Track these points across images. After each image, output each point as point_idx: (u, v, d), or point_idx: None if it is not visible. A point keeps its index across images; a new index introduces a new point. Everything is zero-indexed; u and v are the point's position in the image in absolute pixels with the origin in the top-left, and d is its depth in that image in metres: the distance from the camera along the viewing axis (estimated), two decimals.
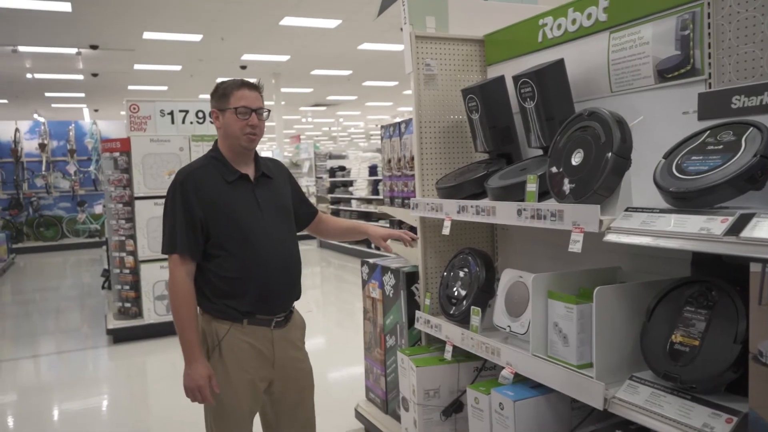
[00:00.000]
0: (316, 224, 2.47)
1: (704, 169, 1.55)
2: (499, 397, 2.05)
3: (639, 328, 1.77)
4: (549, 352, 1.97)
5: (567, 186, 1.83)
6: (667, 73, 1.95)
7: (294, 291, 2.22)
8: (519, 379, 2.10)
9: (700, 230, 1.43)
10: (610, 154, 1.70)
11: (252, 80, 2.14)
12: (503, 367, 2.14)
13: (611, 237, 1.65)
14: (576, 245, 1.74)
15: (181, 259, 2.02)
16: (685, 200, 1.54)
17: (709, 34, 1.81)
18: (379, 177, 9.77)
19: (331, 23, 10.30)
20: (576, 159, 1.84)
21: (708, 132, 1.65)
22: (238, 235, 2.05)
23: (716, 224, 1.41)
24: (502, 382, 2.10)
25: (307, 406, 2.27)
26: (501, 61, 2.73)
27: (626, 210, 1.68)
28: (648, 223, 1.58)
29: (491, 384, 2.19)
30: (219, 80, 2.15)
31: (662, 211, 1.59)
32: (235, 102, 2.06)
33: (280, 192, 2.23)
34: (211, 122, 2.17)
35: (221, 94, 2.08)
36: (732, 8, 1.75)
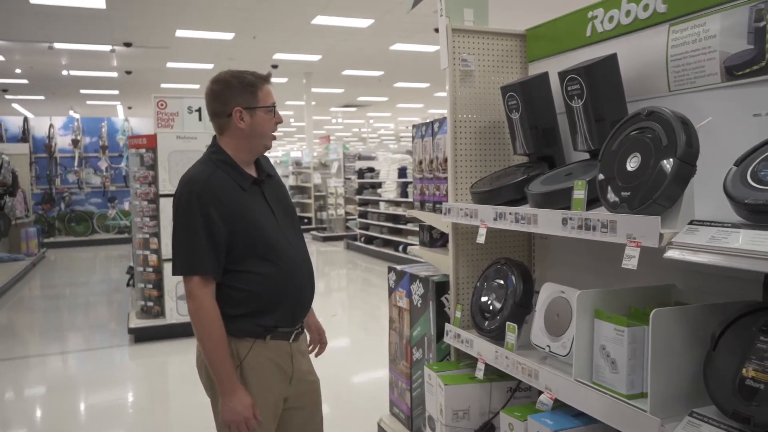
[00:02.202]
0: None
1: None
2: (537, 425, 1.86)
3: (701, 357, 1.56)
4: (594, 378, 1.77)
5: (621, 194, 1.63)
6: (736, 70, 1.73)
7: (313, 298, 2.07)
8: (558, 405, 1.91)
9: None
10: (673, 159, 1.50)
11: (266, 74, 1.98)
12: (541, 391, 1.95)
13: (673, 254, 1.45)
14: (631, 261, 1.55)
15: (204, 281, 1.82)
16: (763, 214, 1.33)
17: None
18: (409, 179, 9.60)
19: (363, 23, 10.17)
20: (632, 164, 1.64)
21: None
22: (262, 246, 1.88)
23: None
24: (540, 408, 1.91)
25: (318, 422, 2.13)
26: (544, 57, 2.54)
27: (691, 223, 1.48)
28: (718, 239, 1.37)
29: (528, 409, 2.00)
30: (224, 72, 1.93)
31: (734, 225, 1.38)
32: (265, 99, 1.91)
33: (283, 191, 2.09)
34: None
35: (248, 90, 1.88)
36: None
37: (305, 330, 2.14)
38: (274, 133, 1.98)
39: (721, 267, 1.36)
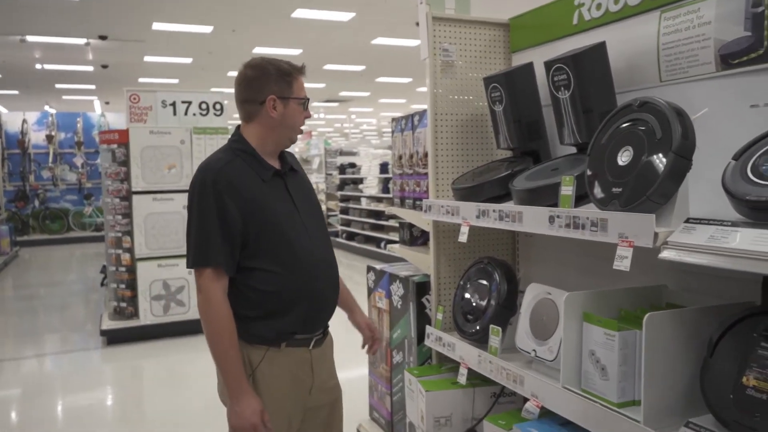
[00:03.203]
0: None
1: None
2: None
3: (696, 363, 1.47)
4: (583, 385, 1.67)
5: (612, 190, 1.53)
6: (732, 58, 1.64)
7: (337, 301, 1.94)
8: (544, 412, 1.80)
9: None
10: (669, 153, 1.40)
11: (301, 66, 1.88)
12: (526, 397, 1.85)
13: (669, 254, 1.35)
14: (623, 262, 1.45)
15: (216, 274, 1.70)
16: (766, 211, 1.23)
17: None
18: (391, 175, 9.49)
19: (345, 16, 10.01)
20: (623, 158, 1.53)
21: None
22: (281, 242, 1.75)
23: None
24: (526, 417, 1.81)
25: (338, 428, 2.02)
26: (528, 47, 2.43)
27: (687, 221, 1.38)
28: (717, 239, 1.27)
29: (513, 417, 1.90)
30: (260, 57, 1.84)
31: (734, 224, 1.29)
32: (299, 91, 1.82)
33: (308, 186, 1.96)
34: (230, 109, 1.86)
35: (284, 79, 1.79)
36: None
37: (328, 333, 1.98)
38: (302, 128, 1.90)
39: (722, 269, 1.26)
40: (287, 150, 1.98)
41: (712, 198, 1.54)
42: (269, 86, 1.78)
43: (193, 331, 5.58)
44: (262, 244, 1.74)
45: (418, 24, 2.44)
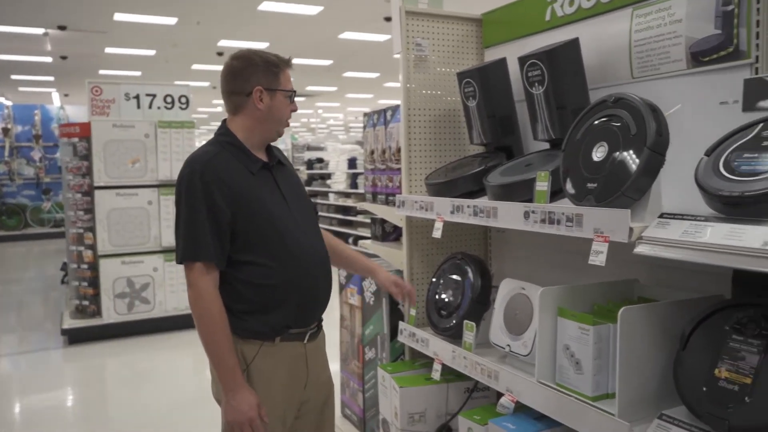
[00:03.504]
0: None
1: (763, 169, 1.26)
2: (499, 430, 1.76)
3: (668, 356, 1.49)
4: (558, 379, 1.68)
5: (587, 186, 1.54)
6: (703, 55, 1.66)
7: (330, 293, 1.91)
8: (519, 406, 1.81)
9: (764, 245, 1.14)
10: (644, 149, 1.41)
11: (288, 58, 1.86)
12: (500, 391, 1.86)
13: (643, 249, 1.36)
14: (599, 257, 1.45)
15: (206, 268, 1.68)
16: (739, 206, 1.25)
17: (758, 10, 1.53)
18: (359, 170, 9.46)
19: (312, 9, 9.91)
20: (598, 154, 1.54)
21: (761, 125, 1.37)
22: (271, 235, 1.73)
23: None
24: (501, 412, 1.81)
25: (328, 420, 1.99)
26: (500, 42, 2.43)
27: (661, 216, 1.40)
28: (691, 234, 1.29)
29: (487, 412, 1.90)
30: (246, 49, 1.83)
31: (707, 219, 1.30)
32: (286, 83, 1.79)
33: (296, 180, 1.93)
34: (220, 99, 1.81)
35: (271, 71, 1.76)
36: None
37: (321, 327, 1.95)
38: (289, 121, 1.86)
39: (693, 263, 1.28)
40: (274, 144, 1.96)
41: (682, 193, 1.57)
42: (256, 77, 1.75)
43: (158, 330, 5.47)
44: (252, 237, 1.72)
45: (386, 19, 2.43)
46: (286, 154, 2.02)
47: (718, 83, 1.64)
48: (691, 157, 1.56)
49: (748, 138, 1.36)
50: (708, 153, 1.42)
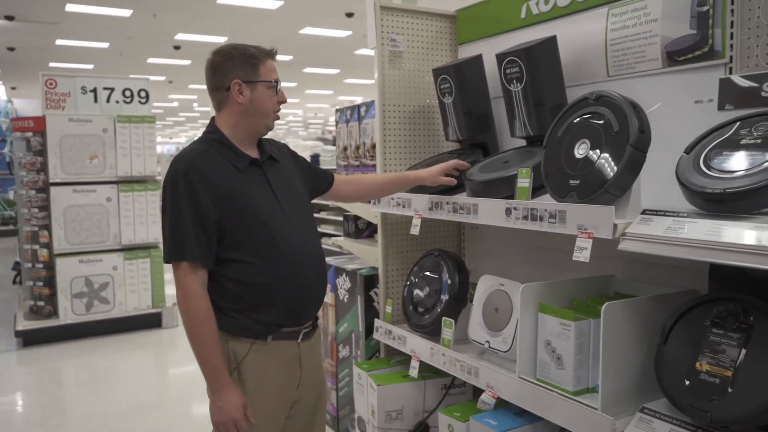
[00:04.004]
0: (338, 190, 2.08)
1: (741, 167, 1.29)
2: (481, 426, 1.76)
3: (648, 350, 1.52)
4: (538, 375, 1.69)
5: (570, 183, 1.55)
6: (678, 55, 1.70)
7: (324, 291, 1.88)
8: (499, 402, 1.82)
9: (749, 241, 1.17)
10: (626, 146, 1.43)
11: (270, 48, 1.81)
12: (478, 387, 1.86)
13: (628, 245, 1.38)
14: (582, 253, 1.47)
15: (192, 268, 1.65)
16: (721, 203, 1.28)
17: (732, 11, 1.57)
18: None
19: (273, 4, 9.79)
20: (580, 151, 1.56)
21: (739, 123, 1.40)
22: (260, 232, 1.69)
23: None
24: (482, 408, 1.82)
25: (319, 423, 1.96)
26: (475, 39, 2.44)
27: (644, 213, 1.42)
28: (675, 230, 1.31)
29: (468, 409, 1.91)
30: (228, 44, 1.78)
31: (689, 215, 1.33)
32: (268, 74, 1.74)
33: (290, 175, 1.88)
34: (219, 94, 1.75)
35: (249, 63, 1.72)
36: None
37: (317, 327, 1.92)
38: (278, 114, 1.81)
39: (671, 258, 1.30)
40: (269, 138, 1.93)
41: (658, 190, 1.60)
42: (234, 71, 1.72)
43: (118, 330, 5.32)
44: (240, 236, 1.69)
45: (348, 14, 2.41)
46: None
47: (693, 82, 1.68)
48: (666, 154, 1.59)
49: (726, 136, 1.39)
50: (687, 150, 1.44)
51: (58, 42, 12.17)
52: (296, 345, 1.78)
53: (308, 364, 1.83)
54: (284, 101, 1.80)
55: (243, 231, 1.69)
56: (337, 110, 2.93)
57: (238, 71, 1.71)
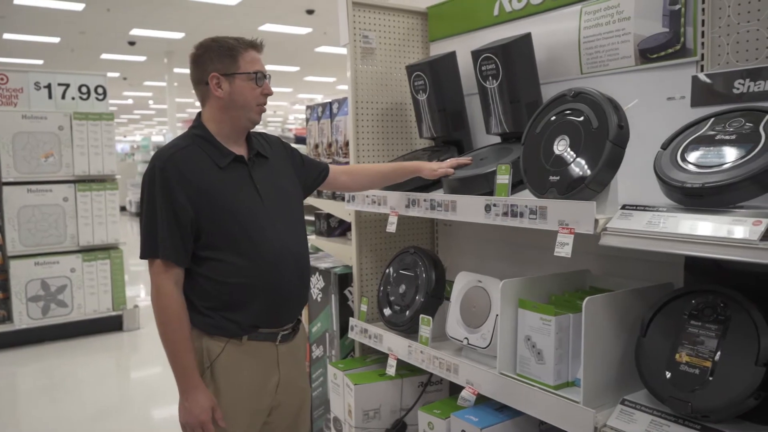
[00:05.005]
0: (336, 180, 2.04)
1: (718, 162, 1.32)
2: (462, 423, 1.76)
3: (627, 343, 1.55)
4: (518, 370, 1.70)
5: (549, 179, 1.56)
6: (651, 53, 1.73)
7: (306, 294, 1.84)
8: (479, 398, 1.82)
9: (728, 234, 1.20)
10: (606, 142, 1.45)
11: (252, 39, 1.75)
12: (456, 384, 1.87)
13: (609, 240, 1.40)
14: (564, 249, 1.48)
15: (165, 266, 1.62)
16: (700, 197, 1.31)
17: (704, 9, 1.60)
18: None
19: (232, 0, 9.64)
20: (559, 147, 1.57)
21: (713, 120, 1.44)
22: (238, 232, 1.65)
23: (747, 227, 1.18)
24: (462, 405, 1.82)
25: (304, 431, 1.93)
26: (446, 36, 2.44)
27: (623, 208, 1.44)
28: (655, 225, 1.33)
29: (447, 406, 1.91)
30: (210, 37, 1.72)
31: (668, 209, 1.36)
32: (248, 66, 1.68)
33: (280, 173, 1.83)
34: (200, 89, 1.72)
35: (227, 54, 1.66)
36: None
37: (298, 330, 1.86)
38: (263, 107, 1.76)
39: (653, 252, 1.32)
40: (262, 133, 1.89)
41: (632, 184, 1.63)
42: (212, 64, 1.67)
43: (77, 334, 5.15)
44: (217, 235, 1.65)
45: (308, 11, 2.38)
46: None
47: (665, 79, 1.72)
48: (639, 150, 1.62)
49: (701, 132, 1.43)
50: (664, 146, 1.47)
51: (6, 36, 11.72)
52: (274, 347, 1.75)
53: (288, 368, 1.79)
54: (269, 93, 1.75)
55: (219, 230, 1.65)
56: (307, 107, 2.90)
57: (216, 64, 1.67)
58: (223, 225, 1.65)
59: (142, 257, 1.65)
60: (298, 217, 1.84)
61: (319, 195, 2.76)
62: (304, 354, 1.93)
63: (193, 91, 1.77)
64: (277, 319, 1.74)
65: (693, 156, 1.38)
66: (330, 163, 2.71)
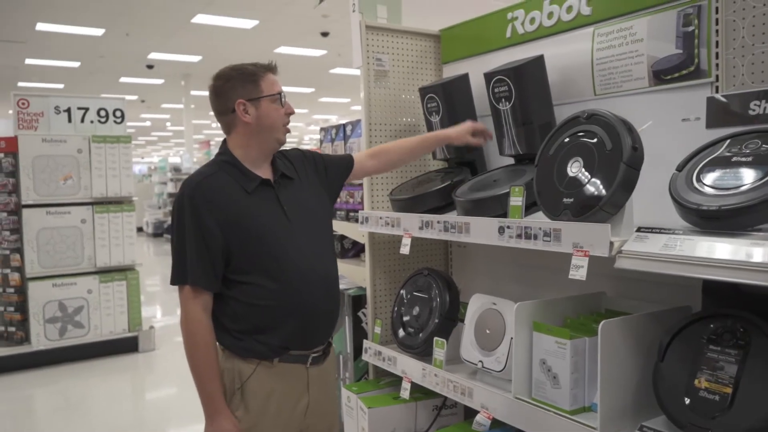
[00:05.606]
0: (364, 167, 2.07)
1: (735, 184, 1.31)
2: None
3: (644, 368, 1.52)
4: (534, 395, 1.68)
5: (563, 201, 1.55)
6: (665, 74, 1.72)
7: (336, 314, 1.85)
8: (494, 423, 1.80)
9: (746, 257, 1.18)
10: (620, 164, 1.44)
11: (268, 63, 1.81)
12: (471, 408, 1.84)
13: (624, 263, 1.38)
14: (579, 271, 1.46)
15: (194, 292, 1.65)
16: (716, 220, 1.29)
17: (717, 31, 1.60)
18: None
19: (248, 23, 9.80)
20: (573, 169, 1.56)
21: (728, 141, 1.43)
22: (267, 256, 1.68)
23: (766, 251, 1.16)
24: (477, 429, 1.79)
25: None
26: (459, 59, 2.45)
27: (638, 230, 1.42)
28: (672, 248, 1.32)
29: (463, 430, 1.89)
30: (227, 66, 1.77)
31: (684, 232, 1.34)
32: (269, 88, 1.73)
33: (307, 192, 1.85)
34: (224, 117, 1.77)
35: (249, 80, 1.70)
36: (746, 2, 1.54)
37: (329, 353, 1.88)
38: (287, 127, 1.80)
39: (669, 275, 1.30)
40: (284, 150, 1.91)
41: (646, 207, 1.62)
42: (235, 92, 1.71)
43: (94, 355, 5.18)
44: (247, 259, 1.68)
45: (323, 34, 2.42)
46: None
47: (679, 101, 1.71)
48: (654, 172, 1.61)
49: (717, 154, 1.41)
50: (679, 168, 1.46)
51: (28, 61, 12.00)
52: (305, 369, 1.75)
53: (318, 391, 1.79)
54: (292, 112, 1.79)
55: (248, 254, 1.67)
56: (321, 129, 2.92)
57: (240, 91, 1.70)
58: (251, 248, 1.67)
59: (172, 283, 1.68)
60: (327, 238, 1.85)
61: (334, 216, 2.77)
62: (335, 378, 1.94)
63: (211, 113, 1.81)
64: (307, 341, 1.75)
65: (709, 178, 1.37)
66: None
